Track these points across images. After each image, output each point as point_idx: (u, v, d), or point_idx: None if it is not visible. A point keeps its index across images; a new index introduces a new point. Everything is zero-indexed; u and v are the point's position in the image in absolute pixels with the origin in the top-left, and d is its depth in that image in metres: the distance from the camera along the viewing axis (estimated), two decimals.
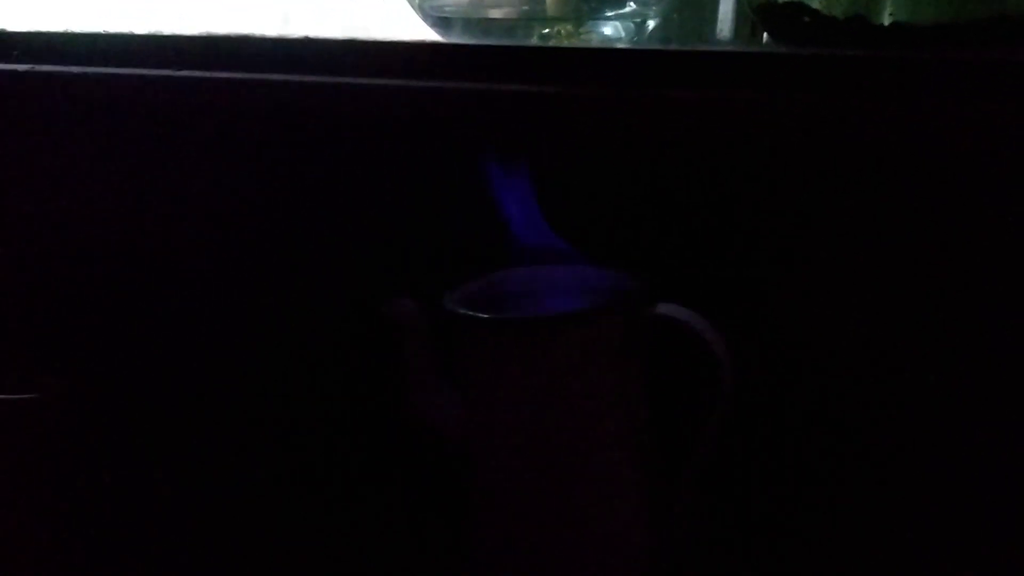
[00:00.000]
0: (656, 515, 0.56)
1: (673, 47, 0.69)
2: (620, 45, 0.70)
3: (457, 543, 0.59)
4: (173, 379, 0.72)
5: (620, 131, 0.61)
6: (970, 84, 0.56)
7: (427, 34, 0.73)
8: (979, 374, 0.57)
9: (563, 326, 0.55)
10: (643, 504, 0.56)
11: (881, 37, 0.59)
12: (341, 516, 0.68)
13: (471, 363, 0.56)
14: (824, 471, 0.61)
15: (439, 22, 0.73)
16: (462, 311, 0.55)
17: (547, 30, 0.71)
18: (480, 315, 0.55)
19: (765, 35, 0.67)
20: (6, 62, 0.72)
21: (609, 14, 0.71)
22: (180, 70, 0.69)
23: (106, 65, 0.71)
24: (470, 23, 0.72)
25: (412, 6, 0.73)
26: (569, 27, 0.71)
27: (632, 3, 0.70)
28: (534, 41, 0.71)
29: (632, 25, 0.71)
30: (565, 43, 0.70)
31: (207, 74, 0.69)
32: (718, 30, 0.72)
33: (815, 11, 0.61)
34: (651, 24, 0.71)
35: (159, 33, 0.71)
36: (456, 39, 0.72)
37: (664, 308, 0.55)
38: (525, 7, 0.72)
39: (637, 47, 0.70)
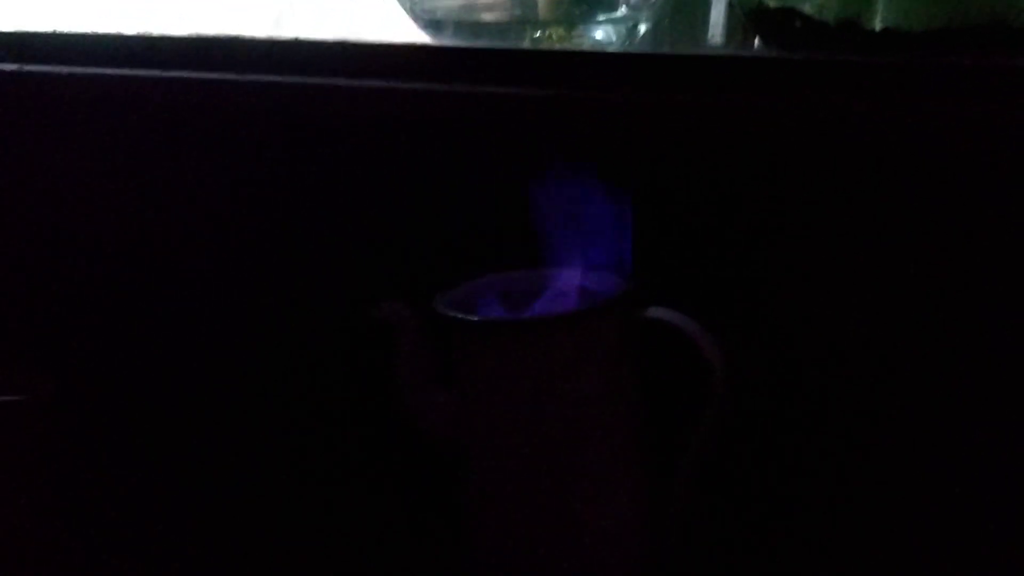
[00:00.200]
0: (651, 516, 0.56)
1: (665, 51, 0.69)
2: (612, 49, 0.70)
3: (451, 545, 0.58)
4: (166, 380, 0.72)
5: (612, 134, 0.61)
6: (962, 89, 0.56)
7: (419, 37, 0.73)
8: (978, 378, 0.57)
9: (555, 328, 0.55)
10: (638, 506, 0.56)
11: (872, 42, 0.60)
12: (336, 518, 0.68)
13: (464, 365, 0.56)
14: (820, 472, 0.61)
15: (431, 25, 0.73)
16: (453, 314, 0.55)
17: (539, 34, 0.71)
18: (471, 318, 0.55)
19: (757, 40, 0.67)
20: None
21: (601, 18, 0.71)
22: (170, 71, 0.69)
23: (96, 65, 0.70)
24: (462, 26, 0.72)
25: (404, 9, 0.73)
26: (561, 31, 0.71)
27: (624, 7, 0.70)
28: (526, 44, 0.71)
29: (624, 29, 0.71)
30: (557, 47, 0.70)
31: (197, 75, 0.69)
32: (710, 35, 0.72)
33: (807, 16, 0.61)
34: (643, 28, 0.71)
35: (149, 34, 0.71)
36: (448, 42, 0.72)
37: (656, 312, 0.55)
38: (517, 11, 0.72)
39: (629, 51, 0.70)
